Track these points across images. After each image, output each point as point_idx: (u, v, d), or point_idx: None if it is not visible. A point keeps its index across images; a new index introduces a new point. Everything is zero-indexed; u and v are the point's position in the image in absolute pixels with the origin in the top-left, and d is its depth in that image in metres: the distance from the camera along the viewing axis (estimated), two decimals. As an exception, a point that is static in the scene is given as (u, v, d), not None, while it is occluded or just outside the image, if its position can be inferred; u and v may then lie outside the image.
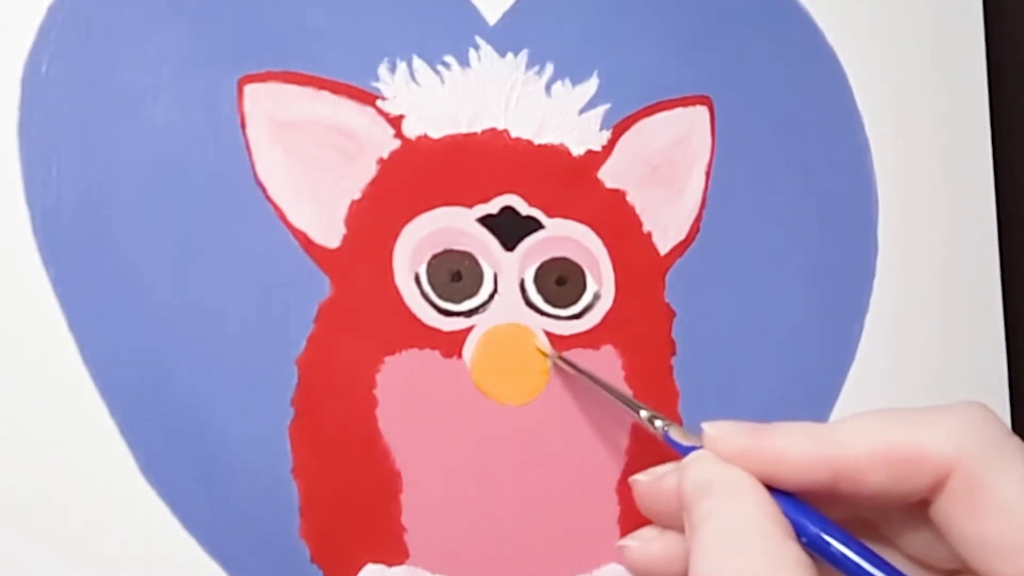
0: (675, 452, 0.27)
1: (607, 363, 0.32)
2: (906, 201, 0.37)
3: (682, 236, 0.34)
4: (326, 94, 0.31)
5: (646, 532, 0.28)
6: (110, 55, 0.29)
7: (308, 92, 0.31)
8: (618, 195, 0.33)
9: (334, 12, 0.31)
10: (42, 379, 0.28)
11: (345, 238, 0.31)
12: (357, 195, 0.31)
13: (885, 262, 0.36)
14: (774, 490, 0.26)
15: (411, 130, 0.32)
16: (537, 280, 0.32)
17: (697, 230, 0.34)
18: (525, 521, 0.31)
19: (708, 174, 0.34)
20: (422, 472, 0.30)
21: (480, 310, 0.32)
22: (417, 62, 0.32)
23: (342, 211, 0.31)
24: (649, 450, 0.32)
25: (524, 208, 0.32)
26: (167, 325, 0.29)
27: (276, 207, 0.30)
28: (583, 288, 0.32)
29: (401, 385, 0.30)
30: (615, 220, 0.33)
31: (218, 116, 0.30)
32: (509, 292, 0.32)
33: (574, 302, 0.32)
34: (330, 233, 0.31)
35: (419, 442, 0.30)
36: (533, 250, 0.32)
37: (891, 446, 0.25)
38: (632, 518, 0.32)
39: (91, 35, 0.29)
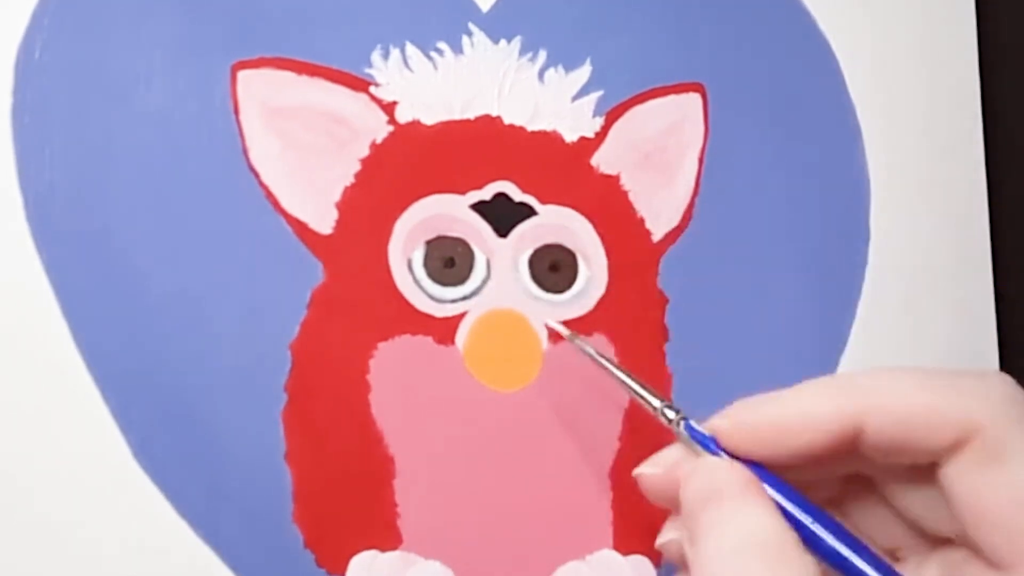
0: (671, 436, 0.27)
1: (600, 348, 0.32)
2: (898, 188, 0.37)
3: (675, 223, 0.34)
4: (319, 80, 0.31)
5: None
6: (103, 41, 0.29)
7: (301, 78, 0.31)
8: (611, 182, 0.33)
9: (327, -2, 0.32)
10: (35, 364, 0.28)
11: (338, 224, 0.31)
12: (350, 181, 0.31)
13: (877, 249, 0.37)
14: (785, 489, 0.25)
15: (404, 116, 0.32)
16: (530, 266, 0.32)
17: (690, 216, 0.34)
18: (518, 507, 0.31)
19: (701, 161, 0.35)
20: (415, 458, 0.30)
21: (473, 296, 0.32)
22: (410, 48, 0.32)
23: (335, 197, 0.31)
24: (643, 436, 0.32)
25: (517, 194, 0.32)
26: (160, 310, 0.29)
27: (269, 193, 0.30)
28: (576, 274, 0.33)
29: (394, 371, 0.31)
30: (608, 206, 0.33)
31: (211, 102, 0.30)
32: (502, 278, 0.32)
33: (567, 288, 0.32)
34: (323, 219, 0.31)
35: (412, 428, 0.30)
36: (526, 236, 0.32)
37: (917, 403, 0.25)
38: (626, 504, 0.32)
39: (84, 21, 0.29)
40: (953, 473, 0.25)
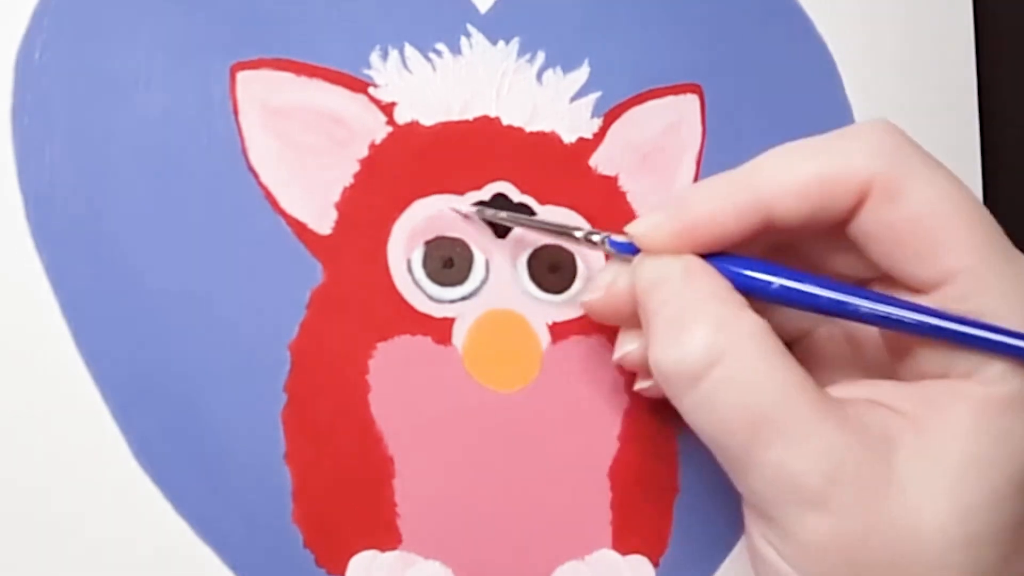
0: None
1: (599, 349, 0.32)
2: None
3: (674, 223, 0.34)
4: (318, 81, 0.31)
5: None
6: (103, 41, 0.30)
7: (300, 79, 0.31)
8: (609, 182, 0.34)
9: None
10: (35, 365, 0.28)
11: (337, 224, 0.31)
12: (349, 182, 0.31)
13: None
14: (719, 257, 0.27)
15: (403, 117, 0.32)
16: (529, 267, 0.32)
17: (688, 217, 0.34)
18: (518, 507, 0.31)
19: (699, 162, 0.35)
20: (415, 458, 0.30)
21: (472, 296, 0.32)
22: (409, 50, 0.32)
23: (334, 197, 0.31)
24: (643, 436, 0.32)
25: (516, 195, 0.32)
26: (160, 311, 0.29)
27: (268, 193, 0.30)
28: (575, 275, 0.33)
29: (394, 371, 0.31)
30: (607, 207, 0.33)
31: (211, 103, 0.30)
32: (501, 279, 0.32)
33: (566, 288, 0.32)
34: (322, 219, 0.31)
35: (412, 428, 0.31)
36: (525, 237, 0.32)
37: (810, 176, 0.27)
38: (626, 504, 0.32)
39: (84, 21, 0.29)
40: (861, 225, 0.26)
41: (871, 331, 0.29)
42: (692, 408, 0.26)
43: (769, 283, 0.27)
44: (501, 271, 0.32)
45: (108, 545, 0.28)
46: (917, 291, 0.26)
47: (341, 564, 0.29)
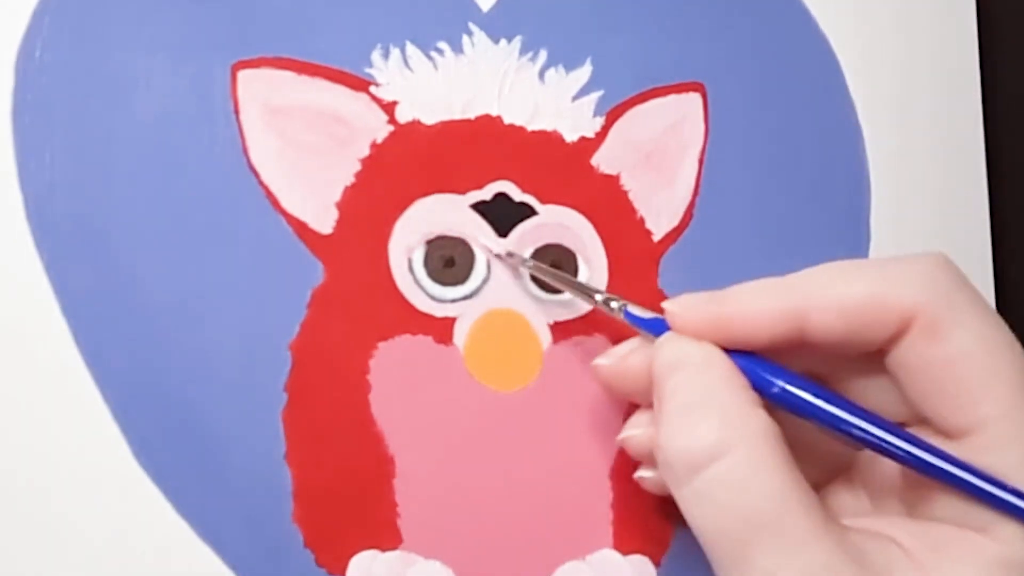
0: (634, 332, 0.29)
1: (600, 349, 0.32)
2: (899, 188, 0.37)
3: (675, 222, 0.34)
4: (319, 80, 0.31)
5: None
6: (104, 40, 0.30)
7: (302, 78, 0.31)
8: (611, 181, 0.33)
9: (327, -2, 0.32)
10: (35, 364, 0.28)
11: (338, 224, 0.31)
12: (350, 181, 0.31)
13: (877, 249, 0.37)
14: (740, 353, 0.26)
15: (404, 116, 0.32)
16: (531, 266, 0.32)
17: (690, 216, 0.34)
18: (519, 507, 0.31)
19: (701, 160, 0.35)
20: (415, 458, 0.30)
21: (473, 296, 0.32)
22: (410, 48, 0.32)
23: (335, 197, 0.31)
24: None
25: (517, 194, 0.32)
26: (160, 310, 0.29)
27: (269, 193, 0.30)
28: (576, 274, 0.33)
29: (394, 371, 0.31)
30: (608, 206, 0.33)
31: (211, 102, 0.30)
32: (502, 278, 0.32)
33: (567, 288, 0.32)
34: (323, 219, 0.31)
35: (412, 428, 0.30)
36: (527, 236, 0.32)
37: (855, 296, 0.26)
38: (626, 504, 0.32)
39: (85, 20, 0.29)
40: (899, 357, 0.26)
41: (891, 470, 0.28)
42: (690, 499, 0.25)
43: (772, 383, 0.26)
44: (502, 270, 0.32)
45: (108, 545, 0.28)
46: (947, 436, 0.26)
47: (341, 564, 0.29)
